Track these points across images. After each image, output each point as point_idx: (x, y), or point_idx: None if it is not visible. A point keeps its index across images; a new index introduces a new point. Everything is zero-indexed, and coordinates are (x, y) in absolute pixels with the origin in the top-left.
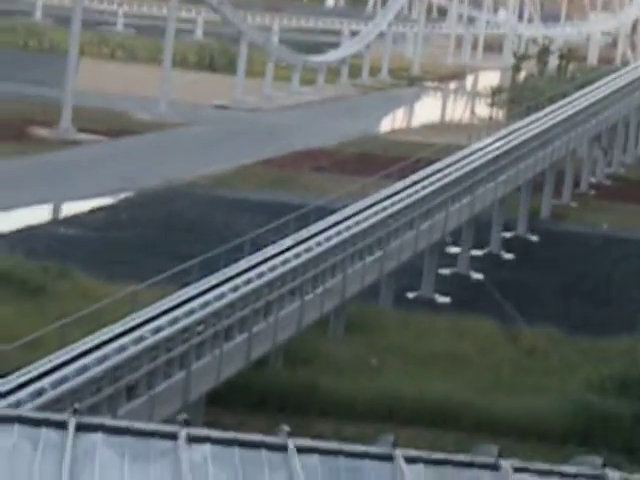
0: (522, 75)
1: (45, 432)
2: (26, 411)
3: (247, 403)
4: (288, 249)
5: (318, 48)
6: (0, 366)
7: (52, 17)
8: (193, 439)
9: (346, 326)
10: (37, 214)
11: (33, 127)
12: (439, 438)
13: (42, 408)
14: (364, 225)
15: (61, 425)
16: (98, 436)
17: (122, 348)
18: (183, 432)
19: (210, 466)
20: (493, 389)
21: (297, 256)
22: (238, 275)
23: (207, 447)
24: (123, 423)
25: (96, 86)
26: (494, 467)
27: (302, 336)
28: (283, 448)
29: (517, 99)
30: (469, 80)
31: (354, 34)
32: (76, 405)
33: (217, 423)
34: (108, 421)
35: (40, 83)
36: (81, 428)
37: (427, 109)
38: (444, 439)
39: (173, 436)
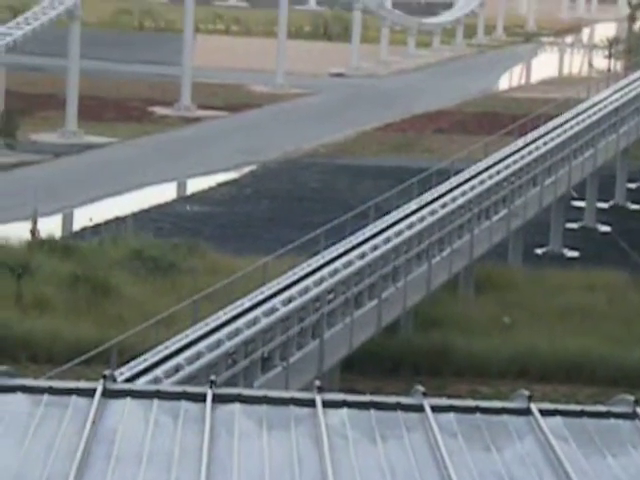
0: (638, 25)
1: (184, 405)
2: (165, 386)
3: (381, 369)
4: (413, 213)
5: (432, 10)
6: (137, 344)
7: None
8: (329, 404)
9: (476, 286)
10: (163, 192)
11: (154, 106)
12: (574, 393)
13: (179, 384)
14: (488, 184)
15: (199, 397)
16: (236, 406)
17: (255, 320)
18: (319, 398)
19: (348, 429)
20: (627, 341)
21: (422, 219)
22: (365, 242)
23: (344, 411)
24: (259, 392)
25: (213, 62)
26: (632, 416)
27: (432, 298)
28: (419, 408)
29: (634, 49)
30: (585, 33)
31: None
32: (212, 377)
33: (353, 390)
34: (245, 391)
35: (158, 63)
36: (219, 399)
37: (544, 64)
38: (579, 394)
39: (309, 402)
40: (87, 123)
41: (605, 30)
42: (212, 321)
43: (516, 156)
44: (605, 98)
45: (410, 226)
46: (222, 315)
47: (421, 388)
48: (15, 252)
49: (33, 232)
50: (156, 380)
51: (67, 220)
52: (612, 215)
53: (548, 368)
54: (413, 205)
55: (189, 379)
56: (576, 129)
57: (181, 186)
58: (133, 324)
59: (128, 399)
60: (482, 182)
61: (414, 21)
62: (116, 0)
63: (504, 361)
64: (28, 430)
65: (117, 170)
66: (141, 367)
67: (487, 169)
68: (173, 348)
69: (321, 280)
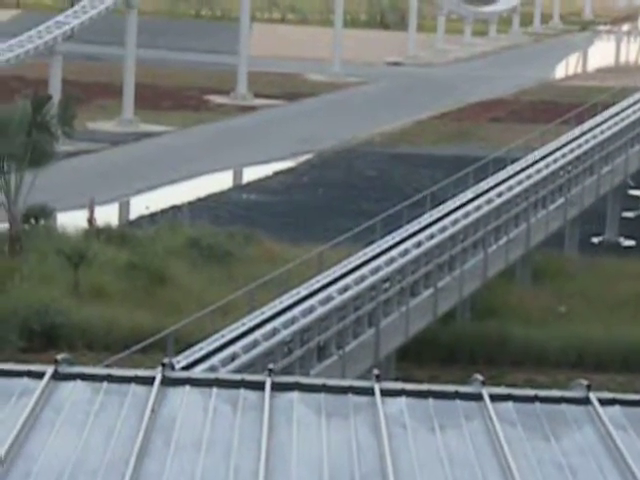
0: None
1: (243, 393)
2: (223, 374)
3: (437, 357)
4: (469, 202)
5: None
6: (193, 333)
7: None
8: (388, 393)
9: (532, 274)
10: (219, 181)
11: (210, 95)
12: (631, 382)
13: (236, 372)
14: (545, 173)
15: (258, 386)
16: (294, 394)
17: (311, 309)
18: (377, 386)
19: (407, 418)
20: None
21: (478, 208)
22: (421, 230)
23: (402, 400)
24: (318, 381)
25: (269, 51)
26: None
27: (489, 287)
28: (478, 397)
29: None
30: None
31: None
32: (271, 365)
33: (409, 379)
34: (303, 379)
35: (214, 51)
36: (277, 387)
37: (601, 53)
38: (636, 383)
39: (368, 391)
40: (143, 112)
41: None
42: (268, 309)
43: (573, 145)
44: None
45: (466, 215)
46: (278, 304)
47: (480, 377)
48: (72, 240)
49: (90, 220)
50: (212, 368)
51: (124, 208)
52: None
53: (605, 357)
54: (469, 194)
55: (245, 367)
56: (632, 118)
57: (237, 175)
58: (189, 312)
59: (187, 387)
60: (539, 171)
61: (470, 10)
62: None
63: (560, 350)
64: (88, 418)
65: (173, 158)
66: (197, 355)
67: (544, 158)
68: (229, 336)
69: (377, 269)
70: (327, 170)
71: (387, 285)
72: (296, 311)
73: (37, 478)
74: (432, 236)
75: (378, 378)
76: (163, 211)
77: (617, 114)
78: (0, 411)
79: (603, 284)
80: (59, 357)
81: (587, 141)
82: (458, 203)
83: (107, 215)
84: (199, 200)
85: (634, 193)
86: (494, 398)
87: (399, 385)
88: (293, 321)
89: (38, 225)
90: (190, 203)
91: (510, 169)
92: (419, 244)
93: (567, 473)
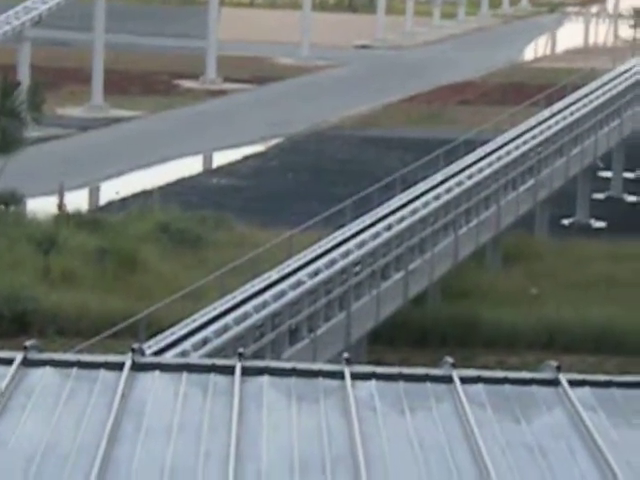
0: None
1: (213, 378)
2: (194, 359)
3: (409, 340)
4: (440, 184)
5: None
6: (164, 318)
7: None
8: (358, 376)
9: (503, 257)
10: (189, 165)
11: (179, 80)
12: (601, 363)
13: (208, 357)
14: (515, 154)
15: (228, 370)
16: (264, 379)
17: (282, 293)
18: (348, 370)
19: (377, 401)
20: None
21: (449, 190)
22: (391, 213)
23: (372, 383)
24: (288, 365)
25: (238, 35)
26: None
27: (459, 269)
28: (448, 379)
29: None
30: (610, 2)
31: None
32: (241, 349)
33: (380, 362)
34: (273, 363)
35: (183, 35)
36: (247, 372)
37: (570, 34)
38: (607, 364)
39: (338, 375)
40: (113, 97)
41: None
42: (239, 294)
43: (542, 126)
44: (630, 68)
45: (437, 197)
46: (249, 288)
47: (450, 359)
48: (42, 226)
49: (60, 206)
50: (184, 353)
51: (94, 194)
52: (638, 185)
53: (575, 338)
54: (440, 176)
55: (217, 352)
56: (602, 99)
57: (207, 159)
58: (160, 297)
59: (157, 372)
60: (508, 153)
61: None
62: None
63: (531, 332)
64: (57, 404)
65: (143, 143)
66: (169, 340)
67: (513, 140)
68: (200, 321)
69: (348, 252)
70: (297, 154)
71: (358, 268)
72: (267, 295)
73: (7, 464)
74: (402, 219)
75: (348, 362)
76: (133, 196)
77: (586, 96)
78: None
79: (574, 266)
80: (28, 343)
81: (557, 123)
82: (429, 185)
83: (77, 201)
84: (169, 185)
85: (604, 175)
86: (464, 380)
87: (369, 368)
88: (264, 305)
89: (8, 211)
90: (160, 188)
91: (480, 151)
92: (389, 227)
93: (537, 454)
